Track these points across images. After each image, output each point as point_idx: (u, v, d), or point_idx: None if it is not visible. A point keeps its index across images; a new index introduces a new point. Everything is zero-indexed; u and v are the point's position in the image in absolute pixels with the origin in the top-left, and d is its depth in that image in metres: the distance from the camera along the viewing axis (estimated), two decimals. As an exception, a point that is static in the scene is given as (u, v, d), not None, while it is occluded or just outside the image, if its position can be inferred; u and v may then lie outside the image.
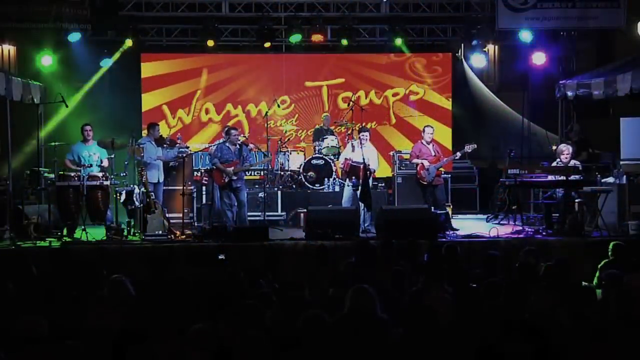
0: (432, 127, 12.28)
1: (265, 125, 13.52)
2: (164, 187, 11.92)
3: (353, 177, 11.65)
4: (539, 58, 14.22)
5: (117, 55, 14.10)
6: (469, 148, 11.91)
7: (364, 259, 7.61)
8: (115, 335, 4.70)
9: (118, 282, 5.74)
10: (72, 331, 4.96)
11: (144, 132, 14.30)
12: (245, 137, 13.25)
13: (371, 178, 11.67)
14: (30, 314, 4.79)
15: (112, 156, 11.52)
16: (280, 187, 13.23)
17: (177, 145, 12.31)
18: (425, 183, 11.83)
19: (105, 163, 11.41)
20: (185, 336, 4.58)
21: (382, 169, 13.15)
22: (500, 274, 6.84)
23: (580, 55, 14.96)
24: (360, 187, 11.34)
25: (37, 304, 5.60)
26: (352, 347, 4.57)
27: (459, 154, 12.03)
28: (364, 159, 11.37)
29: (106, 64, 14.21)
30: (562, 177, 10.87)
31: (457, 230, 11.26)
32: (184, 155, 11.93)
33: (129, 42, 13.92)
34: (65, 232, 10.85)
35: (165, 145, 11.95)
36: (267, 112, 13.77)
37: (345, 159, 11.81)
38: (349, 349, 4.54)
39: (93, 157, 11.33)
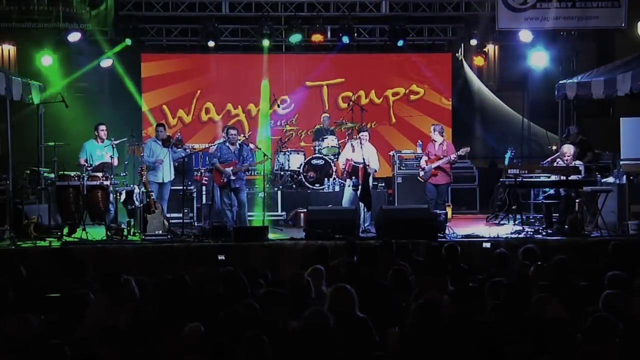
0: (434, 126, 12.28)
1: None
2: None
3: (354, 177, 11.66)
4: (539, 58, 14.23)
5: (114, 50, 14.06)
6: (462, 152, 11.97)
7: (361, 259, 7.60)
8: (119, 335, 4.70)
9: (124, 281, 5.74)
10: (67, 331, 4.97)
11: (144, 132, 14.36)
12: (245, 136, 13.27)
13: (371, 177, 11.66)
14: (20, 313, 4.78)
15: (112, 156, 11.53)
16: (280, 187, 13.23)
17: (183, 146, 12.36)
18: (422, 181, 12.07)
19: (116, 162, 11.45)
20: (181, 336, 4.59)
21: (382, 169, 13.15)
22: (504, 274, 6.83)
23: (580, 55, 14.95)
24: (360, 187, 11.34)
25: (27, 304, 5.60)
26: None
27: (453, 156, 11.93)
28: (364, 159, 11.38)
29: (106, 64, 14.20)
30: (562, 177, 10.88)
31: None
32: (185, 155, 11.97)
33: (128, 42, 13.93)
34: (65, 232, 10.85)
35: (169, 145, 11.94)
36: (267, 112, 13.77)
37: (347, 159, 11.80)
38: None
39: (105, 156, 11.37)
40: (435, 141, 12.04)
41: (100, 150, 11.50)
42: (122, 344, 4.55)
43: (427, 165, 11.90)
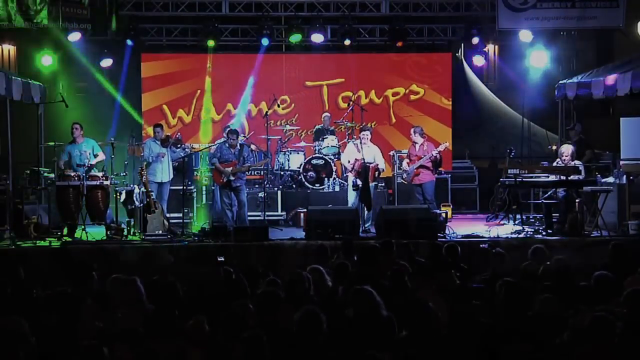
0: (413, 128, 12.25)
1: (265, 125, 13.52)
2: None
3: (358, 177, 11.63)
4: (539, 58, 14.23)
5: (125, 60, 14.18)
6: (442, 147, 11.94)
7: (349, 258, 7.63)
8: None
9: (131, 281, 5.72)
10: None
11: (144, 132, 14.37)
12: (245, 137, 13.27)
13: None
14: (10, 315, 4.79)
15: (113, 156, 11.54)
16: (280, 187, 13.23)
17: (182, 146, 12.37)
18: (405, 182, 12.22)
19: (101, 156, 11.42)
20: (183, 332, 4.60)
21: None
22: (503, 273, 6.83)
23: (580, 55, 14.95)
24: (361, 187, 11.34)
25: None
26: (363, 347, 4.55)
27: (434, 153, 11.86)
28: (363, 158, 11.39)
29: (106, 64, 14.20)
30: (562, 177, 10.88)
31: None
32: (186, 155, 11.98)
33: (129, 43, 13.96)
34: (65, 232, 10.85)
35: (168, 144, 11.94)
36: (267, 112, 13.77)
37: (356, 158, 11.74)
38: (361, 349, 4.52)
39: (84, 154, 11.31)
40: (416, 143, 12.06)
41: (78, 150, 11.40)
42: (138, 344, 4.56)
43: (409, 167, 11.95)
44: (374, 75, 15.37)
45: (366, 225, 11.38)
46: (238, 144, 11.61)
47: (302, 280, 5.89)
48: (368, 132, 11.85)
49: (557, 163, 11.34)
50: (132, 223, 11.10)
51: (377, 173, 11.67)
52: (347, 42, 14.37)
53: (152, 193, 11.01)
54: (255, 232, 10.61)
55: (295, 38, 14.36)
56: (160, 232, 10.77)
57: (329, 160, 13.14)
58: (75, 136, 11.48)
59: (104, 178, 11.17)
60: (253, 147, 13.05)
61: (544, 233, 10.91)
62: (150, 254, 9.82)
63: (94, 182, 11.07)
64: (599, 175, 11.97)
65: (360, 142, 11.67)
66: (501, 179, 12.28)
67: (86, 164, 11.11)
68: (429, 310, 4.79)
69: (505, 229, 11.52)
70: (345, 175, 12.45)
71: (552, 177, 11.09)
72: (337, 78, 15.34)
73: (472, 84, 15.62)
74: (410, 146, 12.26)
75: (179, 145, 12.24)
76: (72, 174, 11.10)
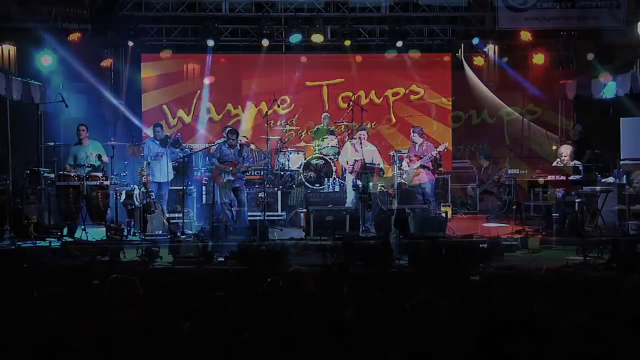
0: (413, 128, 12.33)
1: (265, 125, 13.53)
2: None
3: (356, 178, 11.65)
4: (539, 58, 14.24)
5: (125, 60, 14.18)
6: (442, 147, 11.98)
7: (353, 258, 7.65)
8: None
9: (130, 281, 5.72)
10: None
11: (144, 132, 14.37)
12: (245, 137, 13.27)
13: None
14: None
15: (112, 155, 11.54)
16: (280, 187, 13.24)
17: (180, 146, 12.37)
18: (405, 182, 12.18)
19: (106, 159, 11.43)
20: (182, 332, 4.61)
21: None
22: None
23: (580, 55, 14.97)
24: (361, 187, 11.36)
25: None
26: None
27: (434, 153, 11.91)
28: (363, 158, 11.39)
29: (106, 63, 14.22)
30: (562, 177, 10.90)
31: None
32: (185, 155, 11.98)
33: (131, 44, 13.99)
34: (65, 232, 10.85)
35: (167, 144, 11.95)
36: (267, 112, 13.77)
37: (355, 160, 11.75)
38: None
39: (90, 157, 11.32)
40: (415, 143, 12.09)
41: (84, 152, 11.40)
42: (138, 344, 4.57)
43: (409, 167, 11.97)
44: (374, 75, 15.37)
45: (366, 225, 11.39)
46: (238, 144, 11.62)
47: (300, 281, 5.89)
48: (365, 132, 11.89)
49: (557, 163, 11.35)
50: (132, 223, 11.10)
51: (381, 173, 11.75)
52: (347, 42, 14.38)
53: (152, 193, 11.02)
54: (255, 232, 10.61)
55: (295, 38, 14.36)
56: (160, 232, 10.78)
57: (329, 160, 13.14)
58: (82, 138, 11.49)
59: (104, 178, 11.18)
60: (253, 147, 13.05)
61: (544, 233, 10.92)
62: (150, 254, 9.81)
63: (94, 182, 11.07)
64: (599, 175, 11.98)
65: (360, 142, 11.68)
66: (501, 179, 12.28)
67: (88, 165, 11.13)
68: (435, 311, 4.79)
69: (505, 229, 11.53)
70: (344, 175, 12.47)
71: (552, 177, 11.11)
72: (337, 78, 15.35)
73: (472, 84, 15.62)
74: (410, 146, 12.28)
75: (177, 146, 12.25)
76: (72, 174, 11.11)
